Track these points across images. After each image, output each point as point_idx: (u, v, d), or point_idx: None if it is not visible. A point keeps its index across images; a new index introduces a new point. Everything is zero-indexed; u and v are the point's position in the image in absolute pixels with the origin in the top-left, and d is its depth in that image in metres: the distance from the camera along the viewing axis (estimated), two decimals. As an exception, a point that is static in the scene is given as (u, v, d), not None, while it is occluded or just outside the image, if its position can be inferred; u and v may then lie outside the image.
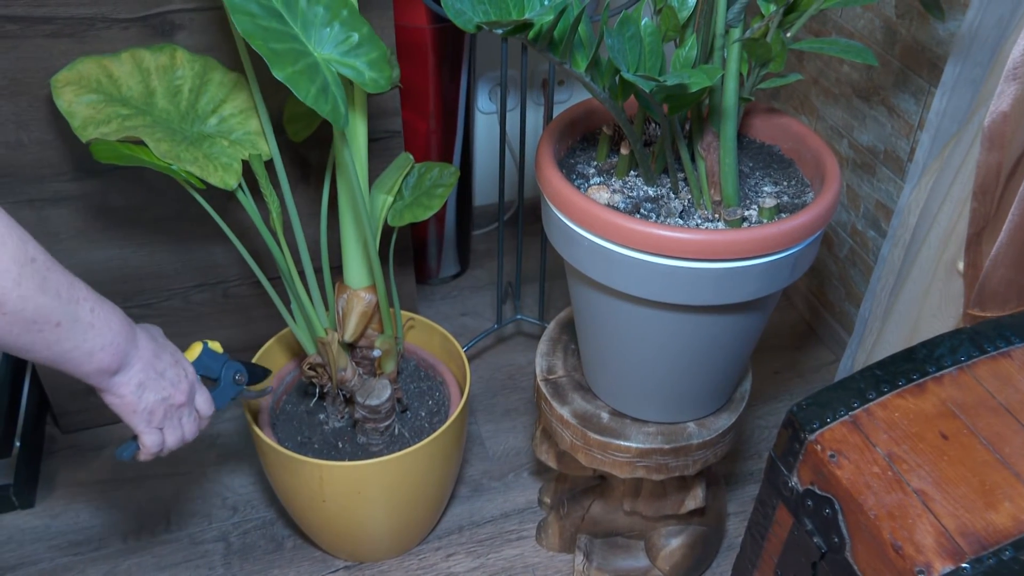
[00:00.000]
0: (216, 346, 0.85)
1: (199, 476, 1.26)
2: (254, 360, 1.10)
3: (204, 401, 0.80)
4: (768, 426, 1.37)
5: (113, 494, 1.23)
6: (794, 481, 0.75)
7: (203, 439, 1.32)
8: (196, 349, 0.83)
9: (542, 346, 1.06)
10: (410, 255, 1.32)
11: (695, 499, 1.03)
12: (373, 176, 1.03)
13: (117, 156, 0.81)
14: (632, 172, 0.90)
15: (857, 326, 1.30)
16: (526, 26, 0.68)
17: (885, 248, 1.24)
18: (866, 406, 0.74)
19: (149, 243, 1.15)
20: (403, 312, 1.17)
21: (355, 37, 0.80)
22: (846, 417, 0.73)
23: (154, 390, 0.73)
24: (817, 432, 0.73)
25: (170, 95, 0.89)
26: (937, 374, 0.76)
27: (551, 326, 1.09)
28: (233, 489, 1.25)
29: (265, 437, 0.99)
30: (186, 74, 0.90)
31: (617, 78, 0.77)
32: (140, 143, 0.83)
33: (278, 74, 0.73)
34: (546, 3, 0.72)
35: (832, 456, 0.71)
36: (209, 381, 0.84)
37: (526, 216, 1.41)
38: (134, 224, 1.13)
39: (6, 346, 0.61)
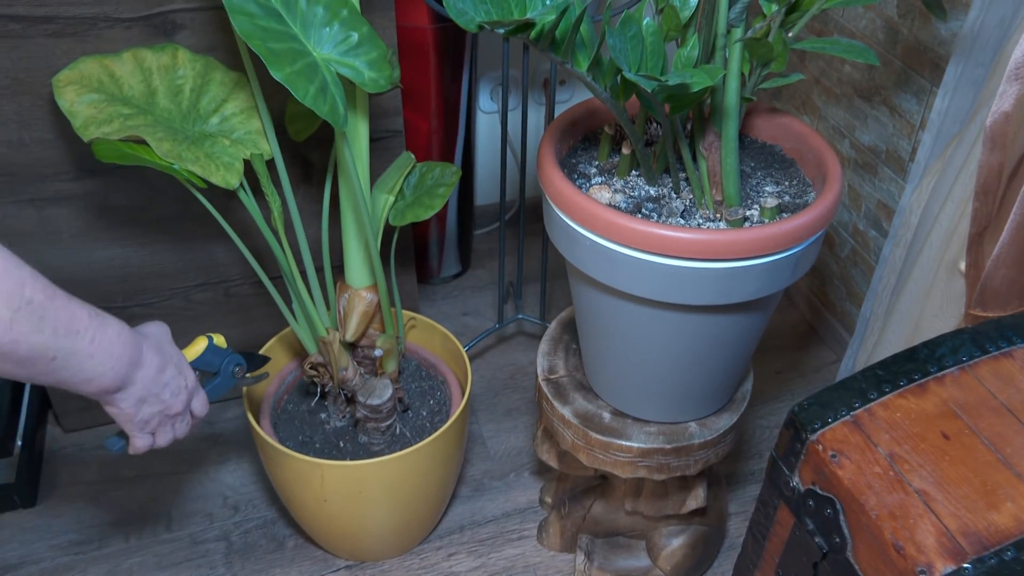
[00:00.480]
0: (220, 341, 0.85)
1: (200, 475, 1.26)
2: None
3: (200, 404, 0.81)
4: (769, 426, 1.37)
5: (115, 493, 1.23)
6: (795, 481, 0.75)
7: (205, 438, 1.32)
8: (201, 345, 0.84)
9: (543, 346, 1.06)
10: (411, 254, 1.32)
11: (696, 499, 1.03)
12: (375, 175, 1.03)
13: (119, 155, 0.81)
14: (634, 172, 0.89)
15: (858, 326, 1.30)
16: (528, 26, 0.68)
17: (887, 248, 1.24)
18: (868, 406, 0.74)
19: (150, 242, 1.15)
20: (404, 312, 1.17)
21: (355, 37, 0.79)
22: (847, 417, 0.73)
23: (153, 404, 0.75)
24: (818, 432, 0.73)
25: (172, 95, 0.89)
26: (939, 374, 0.76)
27: (552, 326, 1.09)
28: (234, 488, 1.25)
29: (266, 436, 0.99)
30: (187, 74, 0.90)
31: (619, 78, 0.77)
32: (142, 142, 0.83)
33: (276, 74, 0.72)
34: (548, 3, 0.72)
35: (833, 456, 0.71)
36: (208, 373, 0.85)
37: (527, 216, 1.41)
38: (136, 223, 1.13)
39: (2, 376, 0.62)
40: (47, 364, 0.62)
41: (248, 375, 0.90)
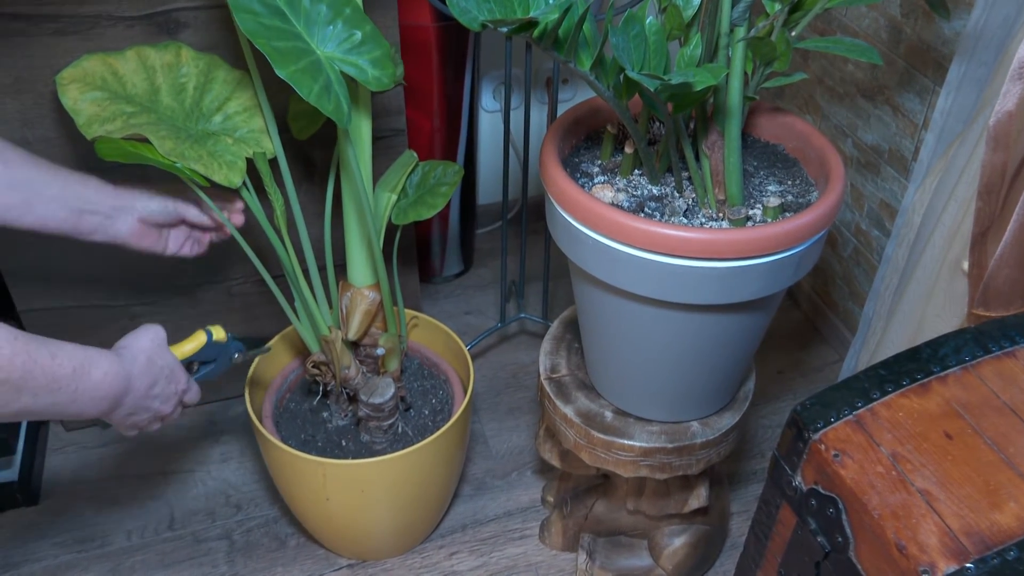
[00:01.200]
0: (220, 334, 0.87)
1: (203, 474, 1.27)
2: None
3: (192, 396, 0.84)
4: (771, 425, 1.37)
5: (117, 491, 1.24)
6: (798, 480, 0.75)
7: (207, 436, 1.32)
8: (199, 340, 0.85)
9: (546, 345, 1.06)
10: (414, 253, 1.32)
11: (698, 498, 1.03)
12: (377, 174, 1.03)
13: (122, 154, 0.81)
14: (636, 171, 0.90)
15: (861, 325, 1.30)
16: (531, 24, 0.68)
17: (889, 248, 1.24)
18: (870, 406, 0.74)
19: (149, 268, 1.15)
20: (407, 310, 1.17)
21: (358, 35, 0.80)
22: (850, 417, 0.73)
23: (142, 413, 0.78)
24: (821, 432, 0.73)
25: (175, 93, 0.89)
26: (941, 374, 0.76)
27: (555, 325, 1.09)
28: (236, 487, 1.25)
29: (269, 435, 0.99)
30: (191, 72, 0.90)
31: (622, 77, 0.77)
32: (144, 141, 0.83)
33: (281, 72, 0.73)
34: (551, 2, 0.72)
35: (836, 456, 0.71)
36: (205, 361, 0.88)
37: (530, 215, 1.41)
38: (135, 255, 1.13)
39: None
40: (29, 415, 0.66)
41: (251, 352, 0.92)
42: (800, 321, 1.58)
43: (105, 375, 0.70)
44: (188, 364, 0.84)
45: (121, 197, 0.85)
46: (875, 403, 0.74)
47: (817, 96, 1.43)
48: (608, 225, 0.77)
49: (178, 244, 0.93)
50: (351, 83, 0.86)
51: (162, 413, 0.80)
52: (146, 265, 1.18)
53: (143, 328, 0.79)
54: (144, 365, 0.76)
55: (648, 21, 0.77)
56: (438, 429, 1.02)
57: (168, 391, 0.79)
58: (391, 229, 1.06)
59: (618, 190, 0.86)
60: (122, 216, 0.85)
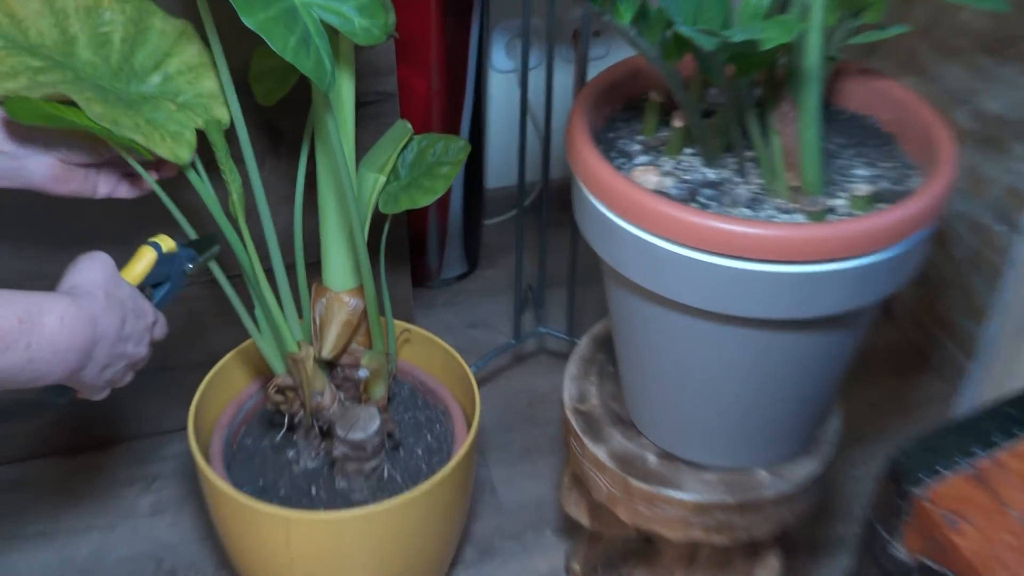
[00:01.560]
0: (168, 244, 0.89)
1: (128, 531, 1.27)
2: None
3: (160, 329, 0.87)
4: (863, 477, 1.37)
5: (12, 555, 1.23)
6: (899, 550, 0.75)
7: (134, 483, 1.33)
8: (149, 258, 0.87)
9: (571, 368, 1.06)
10: (406, 250, 1.33)
11: (769, 570, 1.03)
12: (362, 150, 1.04)
13: (40, 116, 0.81)
14: (688, 150, 0.90)
15: (981, 349, 1.29)
16: (556, -37, 0.69)
17: (1020, 247, 1.24)
18: (993, 454, 0.74)
19: (69, 227, 1.15)
20: (397, 322, 1.18)
21: (341, -25, 0.81)
22: (967, 468, 0.73)
23: (117, 363, 0.80)
24: (928, 486, 0.72)
25: (96, 45, 0.89)
26: (1089, 414, 0.76)
27: (583, 342, 1.10)
28: (172, 548, 1.26)
29: (217, 480, 1.00)
30: (116, 19, 0.89)
31: (670, 32, 0.78)
32: (68, 102, 0.84)
33: (248, 20, 0.73)
34: (582, -66, 0.73)
35: (950, 519, 0.71)
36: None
37: (552, 203, 1.42)
38: (49, 205, 1.14)
39: None
40: None
41: (203, 257, 0.94)
42: (899, 342, 1.58)
43: (62, 321, 0.71)
44: (141, 290, 0.86)
45: (31, 133, 0.83)
46: (1000, 451, 0.74)
47: (921, 53, 1.43)
48: (652, 217, 0.78)
49: (111, 185, 0.92)
50: (333, 35, 0.87)
51: (136, 357, 0.83)
52: (64, 260, 1.19)
53: (86, 259, 0.80)
54: (105, 302, 0.77)
55: (706, -41, 0.77)
56: (434, 474, 1.02)
57: (139, 328, 0.81)
58: (378, 219, 1.07)
59: (665, 173, 0.87)
60: (34, 157, 0.84)
